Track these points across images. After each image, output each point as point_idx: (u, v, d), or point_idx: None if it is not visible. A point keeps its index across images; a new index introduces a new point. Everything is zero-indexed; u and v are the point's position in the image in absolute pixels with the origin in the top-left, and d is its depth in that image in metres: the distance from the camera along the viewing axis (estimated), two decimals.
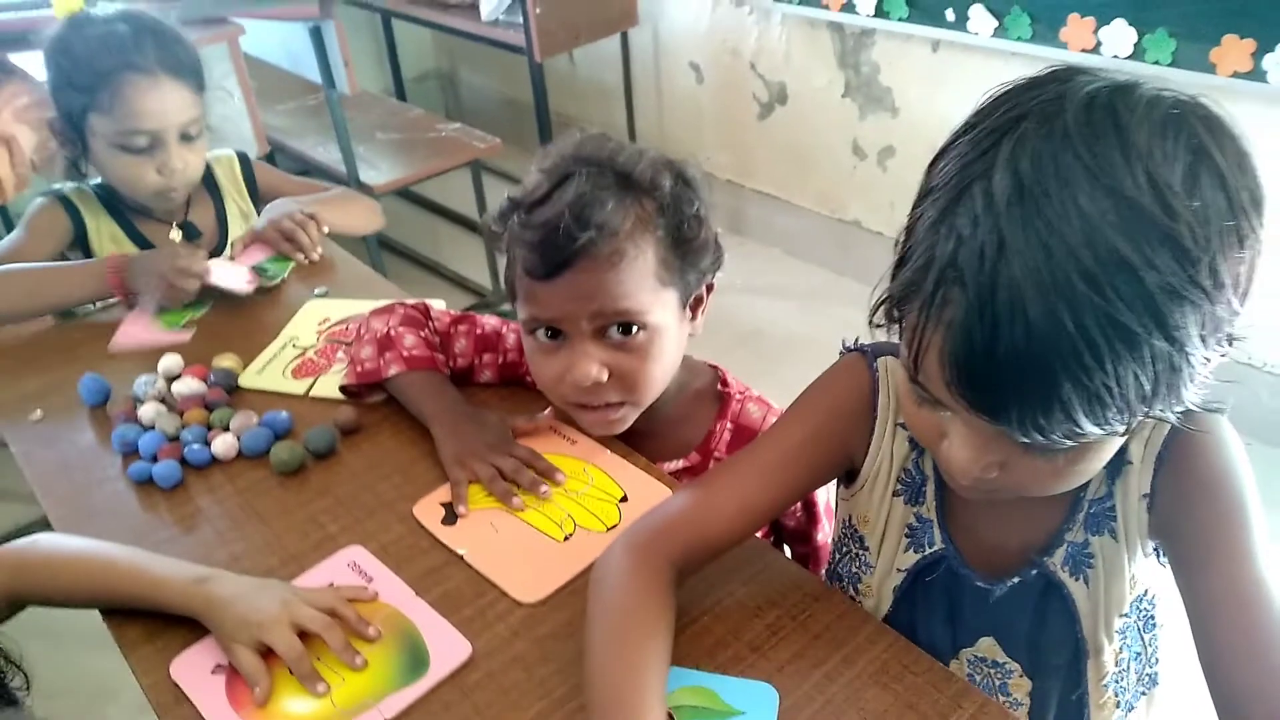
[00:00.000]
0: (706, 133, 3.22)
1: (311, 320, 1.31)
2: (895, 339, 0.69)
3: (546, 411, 1.11)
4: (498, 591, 0.91)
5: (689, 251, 0.98)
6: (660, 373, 1.01)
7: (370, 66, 3.85)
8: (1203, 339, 0.58)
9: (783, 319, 2.72)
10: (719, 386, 1.13)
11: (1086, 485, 0.79)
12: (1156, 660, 0.89)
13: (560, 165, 0.95)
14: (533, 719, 0.79)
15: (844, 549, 0.95)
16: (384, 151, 2.76)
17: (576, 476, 1.02)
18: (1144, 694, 0.90)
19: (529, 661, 0.84)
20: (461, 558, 0.94)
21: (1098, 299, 0.55)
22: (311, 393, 1.18)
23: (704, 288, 1.03)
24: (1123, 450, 0.77)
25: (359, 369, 1.12)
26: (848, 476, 0.92)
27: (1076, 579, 0.82)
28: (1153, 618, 0.86)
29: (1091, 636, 0.84)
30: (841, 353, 0.91)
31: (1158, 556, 0.82)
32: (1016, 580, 0.83)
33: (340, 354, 1.23)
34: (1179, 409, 0.62)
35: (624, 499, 1.00)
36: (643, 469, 1.03)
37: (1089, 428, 0.59)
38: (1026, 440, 0.61)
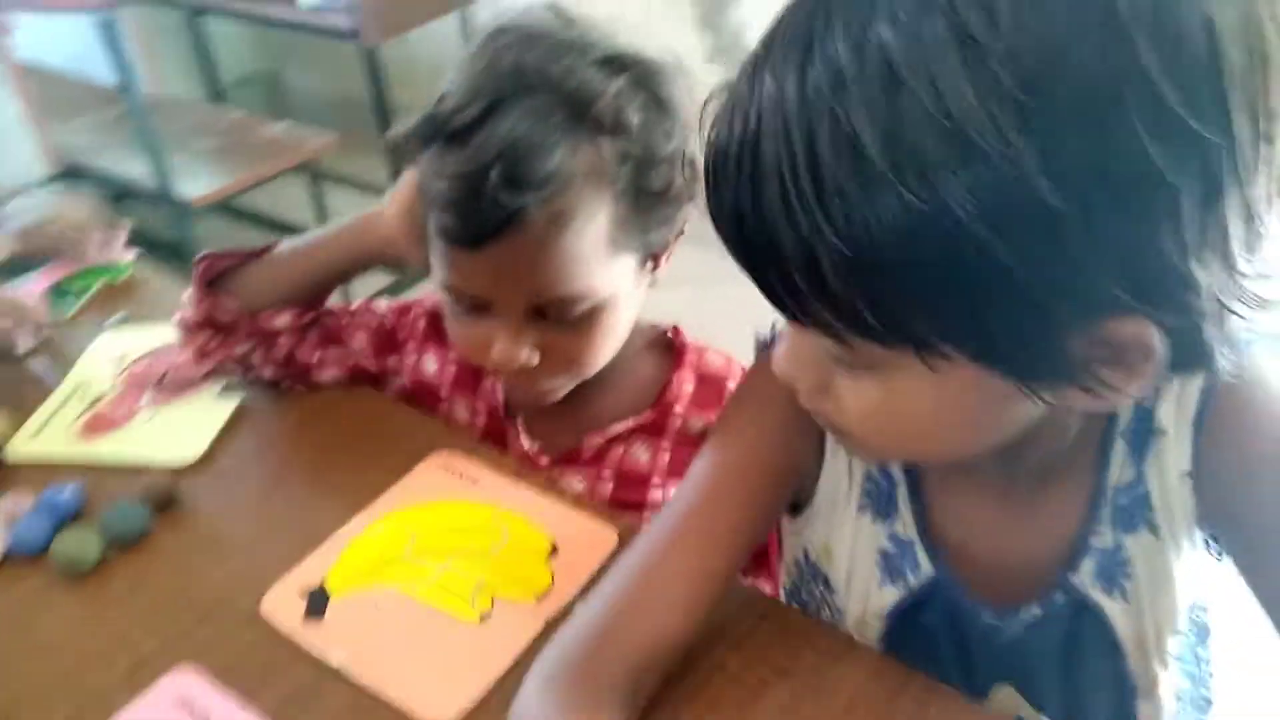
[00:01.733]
0: None
1: (104, 359, 0.99)
2: None
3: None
4: (393, 715, 0.64)
5: (655, 205, 0.74)
6: (610, 345, 0.79)
7: (180, 74, 3.44)
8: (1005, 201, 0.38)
9: (672, 310, 2.50)
10: (669, 335, 0.91)
11: (1106, 471, 0.59)
12: (1210, 678, 0.70)
13: (496, 78, 0.69)
14: None
15: (803, 594, 0.73)
16: (203, 160, 2.40)
17: (485, 530, 0.76)
18: None
19: None
20: (338, 670, 0.67)
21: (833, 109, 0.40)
22: (108, 454, 0.87)
23: (672, 235, 0.79)
24: (1148, 417, 0.58)
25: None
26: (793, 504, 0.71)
27: (1112, 595, 0.61)
28: (1206, 628, 0.67)
29: (1141, 669, 0.63)
30: (759, 350, 0.68)
31: (1207, 547, 0.63)
32: (1036, 611, 0.62)
33: (144, 400, 0.93)
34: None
35: (554, 551, 0.74)
36: (570, 505, 0.78)
37: (842, 290, 0.43)
38: (800, 316, 0.47)
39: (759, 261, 0.46)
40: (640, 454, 0.87)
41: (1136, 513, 0.60)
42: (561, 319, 0.74)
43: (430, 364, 0.93)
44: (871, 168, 0.40)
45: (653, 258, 0.79)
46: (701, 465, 0.66)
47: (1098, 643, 0.63)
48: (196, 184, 2.28)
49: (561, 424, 0.87)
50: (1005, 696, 0.66)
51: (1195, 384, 0.57)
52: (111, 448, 0.87)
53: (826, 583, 0.69)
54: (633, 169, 0.71)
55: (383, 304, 0.96)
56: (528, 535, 0.75)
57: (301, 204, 2.63)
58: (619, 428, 0.86)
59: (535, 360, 0.75)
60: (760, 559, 0.89)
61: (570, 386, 0.82)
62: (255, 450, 0.86)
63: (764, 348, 0.68)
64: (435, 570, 0.73)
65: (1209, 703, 0.70)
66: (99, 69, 2.20)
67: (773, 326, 0.67)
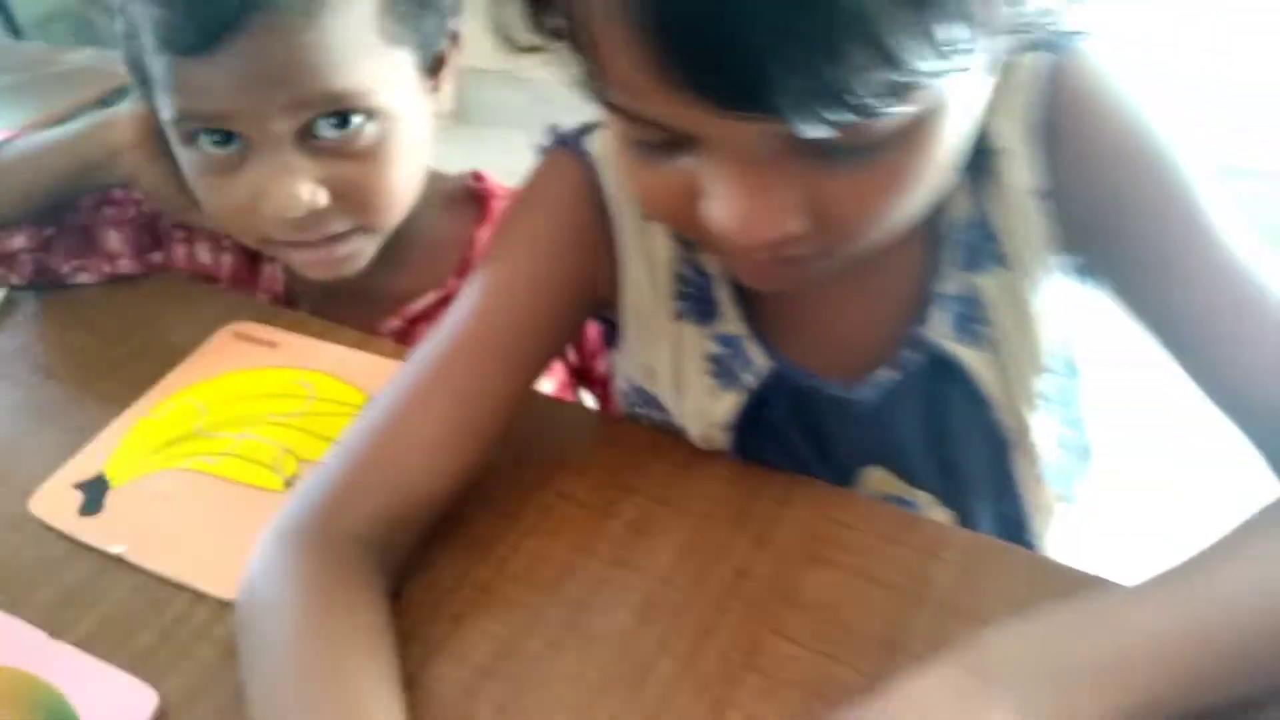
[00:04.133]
0: None
1: None
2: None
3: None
4: (190, 594, 0.55)
5: None
6: (405, 178, 0.69)
7: None
8: None
9: (492, 158, 2.39)
10: (473, 183, 0.80)
11: (942, 212, 0.53)
12: (1083, 423, 0.65)
13: None
14: None
15: (640, 425, 0.66)
16: None
17: (290, 394, 0.67)
18: (1079, 474, 0.65)
19: None
20: (121, 558, 0.58)
21: None
22: None
23: (448, 37, 0.70)
24: (980, 138, 0.50)
25: None
26: (609, 331, 0.64)
27: (969, 343, 0.56)
28: (1073, 365, 0.61)
29: (1011, 418, 0.58)
30: (554, 146, 0.60)
31: (1075, 275, 0.57)
32: (890, 374, 0.56)
33: None
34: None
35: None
36: (389, 355, 0.69)
37: (876, 67, 0.33)
38: (802, 120, 0.34)
39: (758, 77, 0.34)
40: None
41: (981, 247, 0.54)
42: (340, 143, 0.64)
43: (204, 253, 0.80)
44: None
45: (434, 62, 0.69)
46: (474, 284, 0.57)
47: (962, 400, 0.57)
48: None
49: (352, 309, 0.75)
50: (876, 480, 0.60)
51: (1028, 96, 0.50)
52: None
53: (658, 405, 0.62)
54: None
55: None
56: (338, 391, 0.66)
57: None
58: (419, 305, 0.76)
59: (322, 199, 0.64)
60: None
61: (371, 249, 0.71)
62: (18, 348, 0.75)
63: (562, 142, 0.60)
64: (232, 441, 0.63)
65: (1088, 451, 0.65)
66: None
67: (550, 130, 0.59)
